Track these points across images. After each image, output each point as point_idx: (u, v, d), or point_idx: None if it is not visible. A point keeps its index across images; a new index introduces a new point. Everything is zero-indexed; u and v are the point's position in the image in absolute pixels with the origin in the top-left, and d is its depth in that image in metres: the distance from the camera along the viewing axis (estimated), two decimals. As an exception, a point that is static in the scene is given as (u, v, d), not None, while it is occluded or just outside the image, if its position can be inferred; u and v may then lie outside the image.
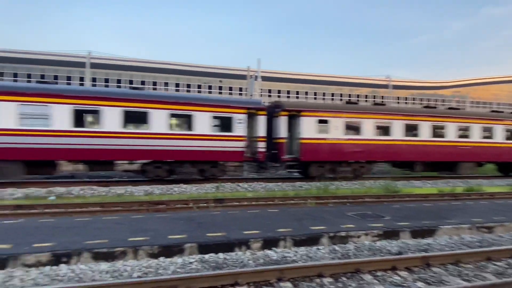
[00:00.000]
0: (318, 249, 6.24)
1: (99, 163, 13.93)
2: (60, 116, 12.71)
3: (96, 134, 13.24)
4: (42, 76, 36.95)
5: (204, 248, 5.85)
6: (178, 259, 5.44)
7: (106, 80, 40.02)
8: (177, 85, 42.27)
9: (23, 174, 12.65)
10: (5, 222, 7.20)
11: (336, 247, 6.35)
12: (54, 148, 12.61)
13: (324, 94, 48.03)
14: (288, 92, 46.26)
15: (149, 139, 13.91)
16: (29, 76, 37.85)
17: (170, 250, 5.68)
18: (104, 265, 5.12)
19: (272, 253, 5.90)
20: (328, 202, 11.01)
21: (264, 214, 8.40)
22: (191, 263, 5.32)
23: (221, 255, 5.71)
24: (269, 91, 45.26)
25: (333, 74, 49.16)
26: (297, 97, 46.26)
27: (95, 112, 13.46)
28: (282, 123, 16.09)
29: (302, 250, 6.14)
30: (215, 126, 15.07)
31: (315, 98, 46.91)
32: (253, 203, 10.56)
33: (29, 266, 5.10)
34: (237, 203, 10.50)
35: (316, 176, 16.21)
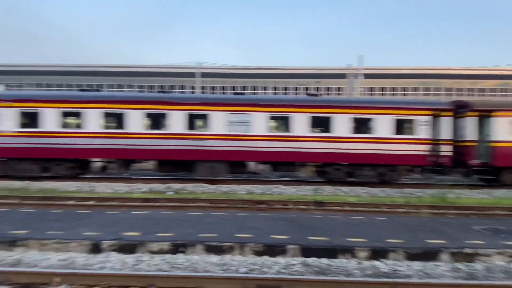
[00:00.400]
0: (437, 265, 5.49)
1: (285, 164, 15.21)
2: (259, 122, 14.78)
3: (287, 138, 14.77)
4: (171, 87, 42.78)
5: (307, 251, 5.77)
6: (281, 260, 5.49)
7: (212, 88, 43.83)
8: (275, 88, 43.48)
9: (226, 173, 14.95)
10: (135, 212, 8.47)
11: (460, 266, 5.48)
12: (251, 151, 14.66)
13: (439, 90, 42.68)
14: (394, 89, 42.73)
15: (331, 142, 14.70)
16: (151, 87, 44.21)
17: (273, 250, 5.78)
18: (214, 258, 5.52)
19: (381, 265, 5.44)
20: (446, 213, 9.67)
21: (369, 221, 7.85)
22: (293, 265, 5.30)
23: (324, 260, 5.53)
24: (371, 89, 42.63)
25: (448, 66, 43.31)
26: (404, 94, 42.28)
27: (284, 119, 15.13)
28: (469, 124, 14.84)
29: (417, 265, 5.48)
30: (396, 128, 14.89)
31: (425, 94, 42.10)
32: (356, 208, 10.02)
33: (154, 252, 5.85)
34: (339, 208, 10.11)
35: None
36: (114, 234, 6.36)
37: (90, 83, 43.84)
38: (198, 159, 14.66)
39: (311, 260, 5.49)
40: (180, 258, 5.53)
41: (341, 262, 5.50)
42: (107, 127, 14.69)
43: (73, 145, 14.24)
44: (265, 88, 43.42)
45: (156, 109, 14.61)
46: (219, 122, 14.59)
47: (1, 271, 4.77)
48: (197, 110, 14.72)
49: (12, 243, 5.98)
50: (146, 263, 5.39)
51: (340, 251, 5.82)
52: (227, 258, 5.53)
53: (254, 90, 43.27)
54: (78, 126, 14.62)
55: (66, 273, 4.73)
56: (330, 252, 5.79)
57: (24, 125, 14.44)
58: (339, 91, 42.87)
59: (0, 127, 14.22)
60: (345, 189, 13.68)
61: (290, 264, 5.34)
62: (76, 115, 14.65)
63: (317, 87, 42.85)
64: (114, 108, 14.55)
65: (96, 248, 5.90)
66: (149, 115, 14.72)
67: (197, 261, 5.38)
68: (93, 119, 14.39)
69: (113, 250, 5.86)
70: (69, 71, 42.70)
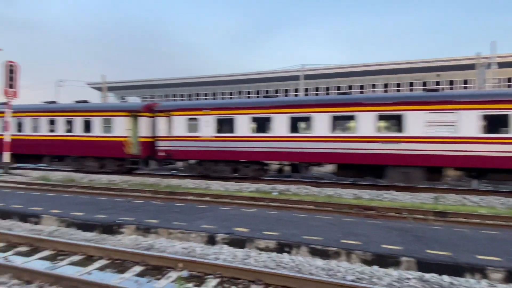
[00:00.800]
0: None
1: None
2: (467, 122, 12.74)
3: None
4: (276, 91, 44.74)
5: (424, 266, 5.19)
6: (393, 272, 5.07)
7: (316, 89, 43.53)
8: (385, 85, 40.43)
9: (423, 180, 13.36)
10: (243, 210, 9.06)
11: None
12: (455, 156, 12.66)
13: None
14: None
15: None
16: (258, 92, 46.60)
17: (385, 260, 5.39)
18: (319, 262, 5.46)
19: (524, 292, 4.49)
20: None
21: (507, 237, 6.57)
22: (408, 279, 4.83)
23: (446, 278, 4.87)
24: (509, 80, 35.54)
25: None
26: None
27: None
28: None
29: None
30: None
31: None
32: (488, 222, 8.49)
33: (261, 249, 6.15)
34: (464, 219, 8.74)
35: None
36: (226, 228, 6.94)
37: (206, 91, 49.19)
38: (389, 163, 13.47)
39: (429, 276, 4.91)
40: (285, 257, 5.66)
41: (468, 282, 4.75)
42: (293, 131, 14.84)
43: (260, 149, 14.99)
44: (373, 86, 40.81)
45: (343, 111, 14.18)
46: (417, 123, 13.01)
47: (138, 253, 5.74)
48: (389, 110, 13.52)
49: (146, 230, 7.14)
50: (254, 258, 5.69)
51: (467, 269, 5.05)
52: (332, 263, 5.41)
53: (362, 88, 41.14)
54: (267, 130, 15.14)
55: (187, 260, 5.39)
56: (454, 269, 5.08)
57: (219, 130, 15.87)
58: (465, 84, 37.13)
59: (200, 133, 16.04)
60: (475, 198, 11.75)
61: (404, 277, 4.88)
62: (266, 120, 15.19)
63: (437, 81, 38.02)
64: (301, 113, 14.77)
65: (211, 240, 6.55)
66: (335, 118, 14.24)
67: (302, 263, 5.42)
68: (281, 125, 14.81)
69: (226, 243, 6.40)
70: (190, 82, 48.60)
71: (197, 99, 48.32)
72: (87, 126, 18.07)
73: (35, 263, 5.62)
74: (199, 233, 6.72)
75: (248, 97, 45.88)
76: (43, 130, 19.06)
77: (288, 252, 5.94)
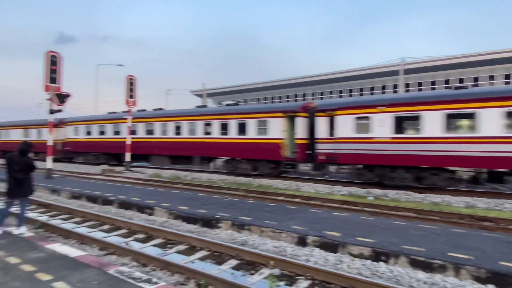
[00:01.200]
0: None
1: None
2: None
3: None
4: (371, 88, 42.66)
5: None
6: (517, 296, 4.32)
7: (419, 84, 39.59)
8: (506, 76, 34.39)
9: None
10: (334, 213, 8.83)
11: None
12: None
13: None
14: None
15: None
16: (351, 91, 44.74)
17: (504, 280, 4.62)
18: (421, 274, 4.99)
19: None
20: None
21: None
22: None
23: None
24: None
25: None
26: None
27: None
28: None
29: None
30: None
31: None
32: None
33: (354, 256, 5.91)
34: None
35: None
36: (317, 230, 6.89)
37: (296, 93, 49.47)
38: None
39: None
40: (381, 267, 5.34)
41: None
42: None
43: (460, 153, 12.13)
44: (491, 78, 35.12)
45: None
46: None
47: (234, 248, 6.14)
48: None
49: (241, 226, 7.57)
50: (347, 264, 5.52)
51: None
52: (437, 277, 4.88)
53: (475, 81, 35.82)
54: (469, 129, 12.29)
55: (279, 259, 5.53)
56: None
57: (399, 131, 13.51)
58: None
59: (372, 133, 13.94)
60: None
61: (532, 304, 4.11)
62: (465, 116, 12.41)
63: None
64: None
65: (302, 241, 6.59)
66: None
67: (401, 274, 5.03)
68: (493, 122, 11.75)
69: (316, 246, 6.35)
70: (280, 85, 49.57)
71: (287, 101, 48.92)
72: (242, 129, 17.84)
73: (150, 249, 6.50)
74: (290, 233, 6.82)
75: (340, 96, 44.48)
76: (199, 133, 19.79)
77: (385, 262, 5.58)
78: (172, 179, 16.75)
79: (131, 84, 20.95)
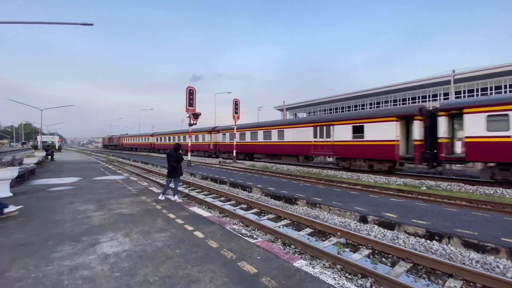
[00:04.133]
0: None
1: None
2: None
3: None
4: (423, 97, 37.21)
5: None
6: None
7: (470, 91, 32.68)
8: None
9: None
10: (391, 199, 7.99)
11: None
12: None
13: None
14: None
15: None
16: (404, 100, 39.40)
17: None
18: (473, 254, 4.23)
19: None
20: None
21: None
22: None
23: None
24: None
25: None
26: None
27: None
28: None
29: None
30: None
31: None
32: None
33: (409, 234, 5.31)
34: None
35: None
36: (376, 212, 6.38)
37: (356, 104, 45.87)
38: None
39: None
40: (435, 245, 4.69)
41: None
42: None
43: None
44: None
45: None
46: None
47: (308, 220, 6.12)
48: None
49: (313, 204, 7.47)
50: (402, 240, 5.01)
51: None
52: (489, 258, 4.07)
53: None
54: None
55: (345, 231, 5.33)
56: None
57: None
58: None
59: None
60: None
61: None
62: None
63: None
64: None
65: (363, 219, 6.19)
66: None
67: (454, 252, 4.35)
68: None
69: (376, 224, 5.90)
70: (341, 98, 46.65)
71: (348, 110, 45.68)
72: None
73: (250, 215, 6.94)
74: (353, 212, 6.47)
75: (393, 105, 39.59)
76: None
77: (438, 241, 4.87)
78: (263, 169, 17.37)
79: (236, 104, 22.46)
